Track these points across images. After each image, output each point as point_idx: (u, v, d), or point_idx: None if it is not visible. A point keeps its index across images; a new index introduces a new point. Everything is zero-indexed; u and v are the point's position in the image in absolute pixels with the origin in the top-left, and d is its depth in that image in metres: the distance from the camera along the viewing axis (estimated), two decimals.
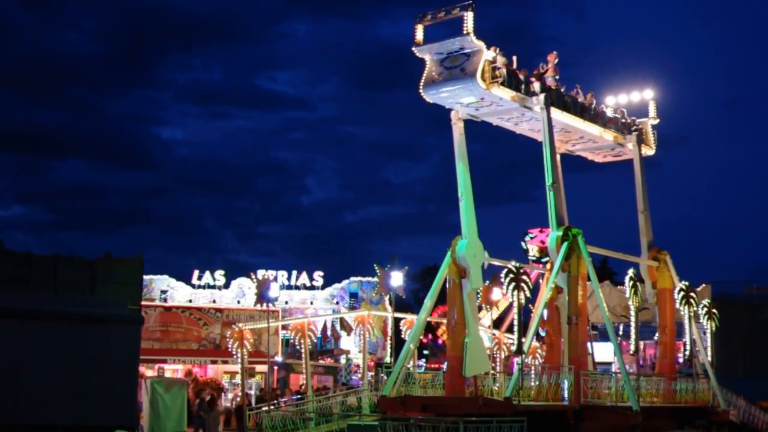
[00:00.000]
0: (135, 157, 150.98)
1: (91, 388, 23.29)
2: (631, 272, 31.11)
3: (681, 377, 32.75)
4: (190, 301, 54.83)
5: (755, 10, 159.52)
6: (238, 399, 35.92)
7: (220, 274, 56.34)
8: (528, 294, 26.89)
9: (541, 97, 28.37)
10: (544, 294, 28.85)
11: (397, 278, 35.60)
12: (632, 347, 31.55)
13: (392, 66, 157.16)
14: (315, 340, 40.87)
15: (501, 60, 27.37)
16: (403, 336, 35.77)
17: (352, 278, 58.78)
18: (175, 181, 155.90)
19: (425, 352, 55.71)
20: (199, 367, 49.57)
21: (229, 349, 38.23)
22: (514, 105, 28.31)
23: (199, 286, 55.92)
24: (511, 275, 26.69)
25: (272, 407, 33.74)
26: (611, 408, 27.98)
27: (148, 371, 44.24)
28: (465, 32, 26.74)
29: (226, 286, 56.22)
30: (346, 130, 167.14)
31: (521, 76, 28.31)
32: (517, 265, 27.20)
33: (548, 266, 29.90)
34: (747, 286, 52.80)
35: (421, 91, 27.91)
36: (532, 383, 28.30)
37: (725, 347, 43.48)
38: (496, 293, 32.42)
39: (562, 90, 29.95)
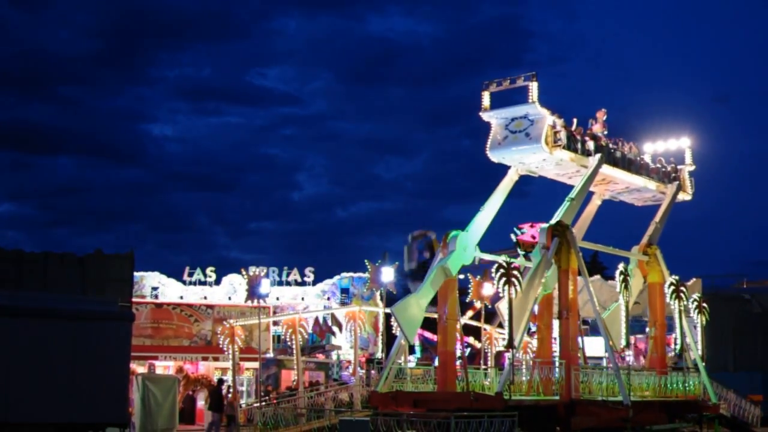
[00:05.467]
0: (126, 154, 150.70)
1: (82, 385, 23.26)
2: (621, 266, 31.20)
3: (671, 371, 32.84)
4: (181, 297, 54.69)
5: (745, 6, 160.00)
6: (230, 396, 35.88)
7: (211, 270, 56.16)
8: (519, 289, 26.86)
9: (597, 156, 30.66)
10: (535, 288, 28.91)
11: (387, 274, 35.63)
12: (623, 341, 31.61)
13: (383, 62, 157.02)
14: (306, 336, 40.85)
15: (560, 123, 29.47)
16: (394, 331, 35.78)
17: (343, 274, 58.67)
18: (165, 178, 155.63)
19: (416, 346, 55.70)
20: (190, 363, 49.51)
21: (221, 346, 38.22)
22: (572, 164, 30.36)
23: (190, 283, 55.74)
24: (502, 270, 26.70)
25: (264, 403, 33.76)
26: (602, 402, 28.05)
27: (139, 368, 44.17)
28: (531, 101, 28.95)
29: (217, 282, 56.06)
30: (337, 126, 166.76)
31: (578, 137, 30.45)
32: (508, 260, 27.24)
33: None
34: (737, 281, 53.03)
35: (487, 152, 29.94)
36: (524, 378, 28.38)
37: (716, 341, 43.68)
38: (488, 288, 32.45)
39: (611, 145, 32.01)
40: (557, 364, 28.48)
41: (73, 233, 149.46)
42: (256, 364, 41.41)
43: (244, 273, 37.57)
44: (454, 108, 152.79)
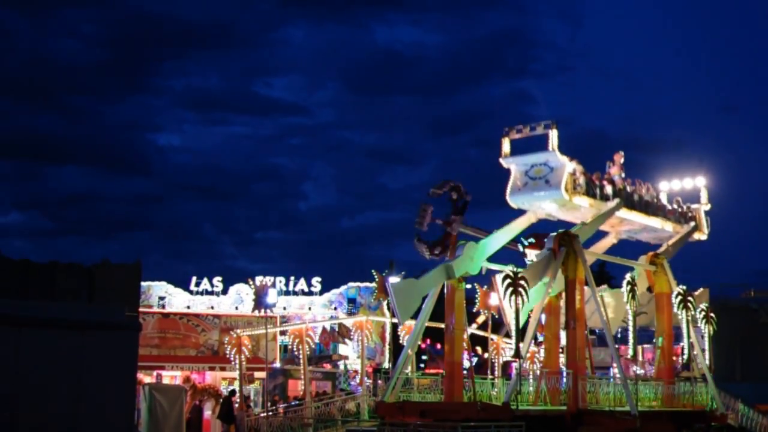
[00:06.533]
0: (132, 164, 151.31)
1: (89, 395, 23.27)
2: (628, 276, 31.17)
3: (679, 381, 32.76)
4: (188, 307, 54.75)
5: (752, 15, 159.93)
6: (236, 405, 35.87)
7: (218, 280, 56.27)
8: (526, 299, 26.81)
9: (615, 201, 31.18)
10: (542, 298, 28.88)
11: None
12: (630, 351, 31.56)
13: (389, 72, 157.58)
14: (313, 346, 40.85)
15: (579, 169, 29.84)
16: (401, 341, 35.76)
17: (350, 284, 58.72)
18: (172, 188, 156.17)
19: (423, 357, 55.65)
20: (197, 373, 49.52)
21: (228, 356, 38.21)
22: (591, 210, 30.62)
23: (197, 293, 55.83)
24: (509, 280, 26.66)
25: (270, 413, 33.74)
26: (609, 412, 27.98)
27: (146, 378, 44.21)
28: (551, 149, 29.24)
29: (224, 292, 56.13)
30: (344, 135, 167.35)
31: (596, 182, 30.81)
32: (515, 269, 27.20)
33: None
34: (745, 290, 52.78)
35: (507, 197, 30.31)
36: (531, 388, 28.33)
37: (723, 351, 43.50)
38: (494, 298, 32.36)
39: (628, 188, 32.34)
40: (564, 374, 28.44)
41: (80, 243, 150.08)
42: (263, 374, 41.41)
43: (251, 283, 37.65)
44: (460, 117, 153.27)
